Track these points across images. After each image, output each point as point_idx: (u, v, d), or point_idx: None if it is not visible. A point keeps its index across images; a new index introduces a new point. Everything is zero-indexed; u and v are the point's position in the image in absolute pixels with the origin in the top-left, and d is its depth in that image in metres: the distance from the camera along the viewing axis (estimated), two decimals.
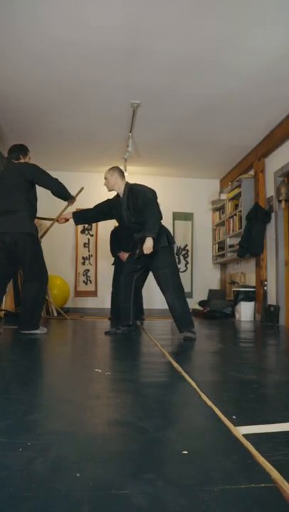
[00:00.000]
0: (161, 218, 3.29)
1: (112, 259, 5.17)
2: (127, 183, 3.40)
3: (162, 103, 4.42)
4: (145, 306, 5.24)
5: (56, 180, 3.42)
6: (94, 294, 6.91)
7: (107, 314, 5.53)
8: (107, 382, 1.77)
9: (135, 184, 3.40)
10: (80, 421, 1.22)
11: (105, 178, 3.43)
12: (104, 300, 6.65)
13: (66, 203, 3.78)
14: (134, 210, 3.29)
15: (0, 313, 4.83)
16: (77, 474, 0.84)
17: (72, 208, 3.90)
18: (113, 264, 5.15)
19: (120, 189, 3.39)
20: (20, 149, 3.53)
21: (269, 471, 0.87)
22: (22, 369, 2.00)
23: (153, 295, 6.08)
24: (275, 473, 0.85)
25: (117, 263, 5.08)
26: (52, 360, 2.39)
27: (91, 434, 1.10)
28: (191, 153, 6.01)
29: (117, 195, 3.46)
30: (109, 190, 3.47)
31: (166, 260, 3.26)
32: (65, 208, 4.03)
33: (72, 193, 3.69)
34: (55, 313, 5.57)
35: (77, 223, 3.76)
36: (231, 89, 4.07)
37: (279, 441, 1.07)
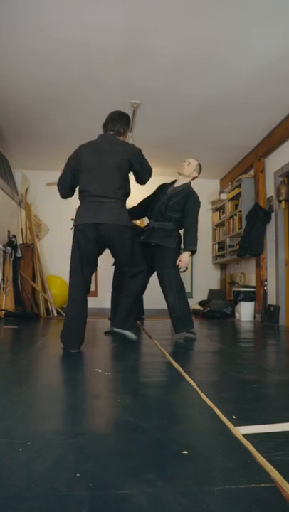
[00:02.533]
0: None
1: (113, 260, 5.16)
2: (190, 183, 3.50)
3: (162, 103, 4.42)
4: (145, 306, 5.23)
5: (151, 171, 2.94)
6: (94, 294, 6.91)
7: (107, 314, 5.52)
8: (107, 382, 1.77)
9: (194, 192, 3.46)
10: (80, 421, 1.22)
11: (189, 163, 3.44)
12: (104, 300, 6.64)
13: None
14: (174, 205, 3.34)
15: (0, 313, 4.83)
16: (77, 474, 0.84)
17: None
18: (113, 265, 5.14)
19: (183, 181, 3.46)
20: (127, 122, 2.86)
21: (269, 471, 0.87)
22: (22, 369, 2.00)
23: (153, 295, 6.07)
24: (275, 473, 0.85)
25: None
26: (52, 360, 2.39)
27: (91, 434, 1.09)
28: (191, 153, 5.99)
29: (172, 182, 3.53)
30: (179, 173, 3.47)
31: (174, 261, 3.29)
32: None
33: None
34: (55, 313, 5.57)
35: None
36: (231, 89, 4.07)
37: (279, 441, 1.07)
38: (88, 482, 0.81)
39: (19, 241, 6.02)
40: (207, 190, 7.26)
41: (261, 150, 5.39)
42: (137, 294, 3.03)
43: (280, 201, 4.90)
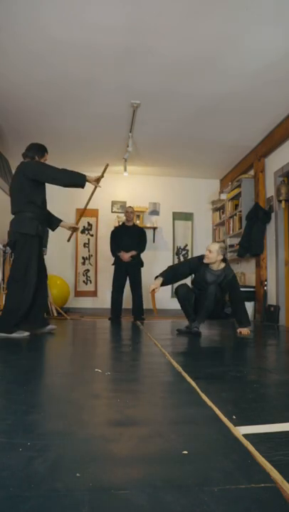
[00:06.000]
0: None
1: (112, 259, 5.17)
2: (224, 262, 3.62)
3: (162, 103, 4.42)
4: (145, 306, 5.23)
5: (62, 171, 3.19)
6: (94, 294, 6.91)
7: (106, 314, 5.53)
8: (107, 382, 1.77)
9: (231, 269, 3.68)
10: (80, 421, 1.22)
11: (210, 251, 3.55)
12: (104, 300, 6.64)
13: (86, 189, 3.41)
14: (223, 289, 3.60)
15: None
16: (77, 474, 0.84)
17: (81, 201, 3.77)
18: (113, 264, 5.15)
19: (218, 267, 3.59)
20: (37, 150, 3.38)
21: (269, 471, 0.87)
22: (22, 369, 2.00)
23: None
24: (275, 473, 0.85)
25: (117, 263, 5.08)
26: (52, 360, 2.39)
27: (91, 434, 1.10)
28: (191, 153, 6.01)
29: (202, 262, 3.61)
30: (207, 262, 3.56)
31: None
32: (93, 193, 3.62)
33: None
34: (55, 313, 5.57)
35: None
36: (231, 89, 4.07)
37: (279, 441, 1.07)
38: (88, 482, 0.81)
39: None
40: (207, 190, 7.26)
41: (261, 150, 5.39)
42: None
43: (280, 201, 4.90)
